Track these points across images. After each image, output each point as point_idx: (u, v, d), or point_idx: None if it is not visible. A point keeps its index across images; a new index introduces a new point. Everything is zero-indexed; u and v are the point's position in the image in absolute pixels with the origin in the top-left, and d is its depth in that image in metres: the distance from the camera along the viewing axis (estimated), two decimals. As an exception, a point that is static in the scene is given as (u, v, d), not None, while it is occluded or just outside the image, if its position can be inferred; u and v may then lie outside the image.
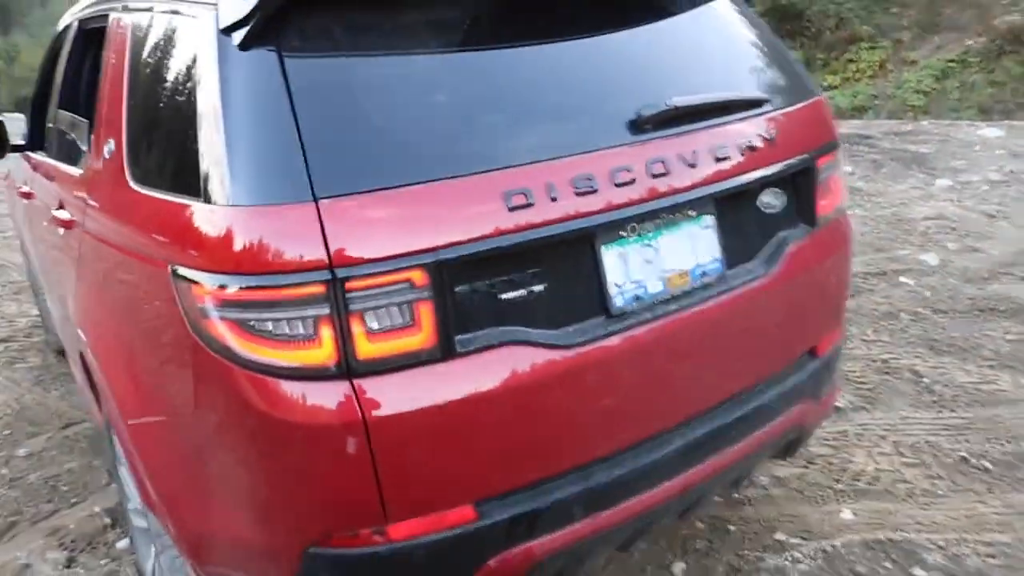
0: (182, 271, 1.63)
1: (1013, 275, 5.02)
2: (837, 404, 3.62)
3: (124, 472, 2.55)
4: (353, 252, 1.52)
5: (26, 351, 5.01)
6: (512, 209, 1.64)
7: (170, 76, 1.88)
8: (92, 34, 2.92)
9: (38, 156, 3.42)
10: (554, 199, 1.69)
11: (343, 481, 1.60)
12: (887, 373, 3.93)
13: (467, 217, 1.61)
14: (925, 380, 3.85)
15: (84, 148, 2.46)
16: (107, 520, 3.18)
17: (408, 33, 1.76)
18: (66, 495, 3.39)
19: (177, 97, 1.81)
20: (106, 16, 2.49)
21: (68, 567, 2.94)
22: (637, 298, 1.85)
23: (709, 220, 1.99)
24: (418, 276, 1.56)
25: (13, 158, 4.22)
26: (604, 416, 1.82)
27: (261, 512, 1.70)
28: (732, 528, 2.88)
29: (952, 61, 12.94)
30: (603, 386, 1.80)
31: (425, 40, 1.77)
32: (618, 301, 1.82)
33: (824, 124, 2.32)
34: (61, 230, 2.52)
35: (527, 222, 1.66)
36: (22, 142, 3.95)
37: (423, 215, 1.57)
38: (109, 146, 2.14)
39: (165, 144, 1.83)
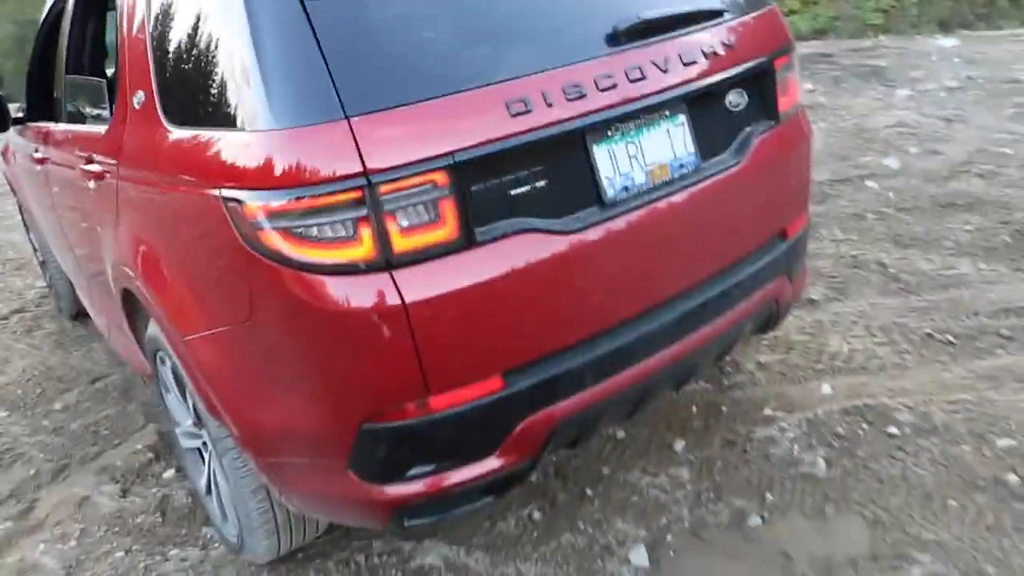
0: (232, 192, 1.87)
1: (970, 172, 5.31)
2: (812, 296, 3.92)
3: (171, 399, 2.80)
4: (383, 160, 1.77)
5: (40, 319, 5.24)
6: (514, 115, 1.89)
7: (197, 24, 2.10)
8: (95, 1, 3.12)
9: (47, 125, 3.61)
10: (549, 105, 1.94)
11: (389, 361, 1.87)
12: (856, 267, 4.23)
13: (477, 124, 1.86)
14: (892, 270, 4.15)
15: (106, 105, 2.67)
16: (151, 455, 3.45)
17: None
18: (108, 438, 3.65)
19: (207, 42, 2.04)
20: None
21: (123, 497, 3.21)
22: (625, 189, 2.11)
23: (683, 118, 2.25)
24: (439, 177, 1.81)
25: (5, 135, 4.41)
26: (604, 292, 2.10)
27: (320, 398, 1.97)
28: (724, 409, 3.19)
29: (911, -21, 13.11)
30: (602, 266, 2.07)
31: None
32: (609, 192, 2.09)
33: (779, 29, 2.57)
34: (92, 184, 2.74)
35: (527, 126, 1.91)
36: (21, 115, 4.13)
37: (439, 124, 1.83)
38: (138, 97, 2.36)
39: (201, 86, 2.05)
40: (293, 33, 1.82)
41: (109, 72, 3.38)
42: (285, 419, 2.04)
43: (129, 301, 2.75)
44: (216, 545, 2.86)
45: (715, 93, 2.33)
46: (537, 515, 2.77)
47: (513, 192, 1.95)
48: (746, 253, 2.45)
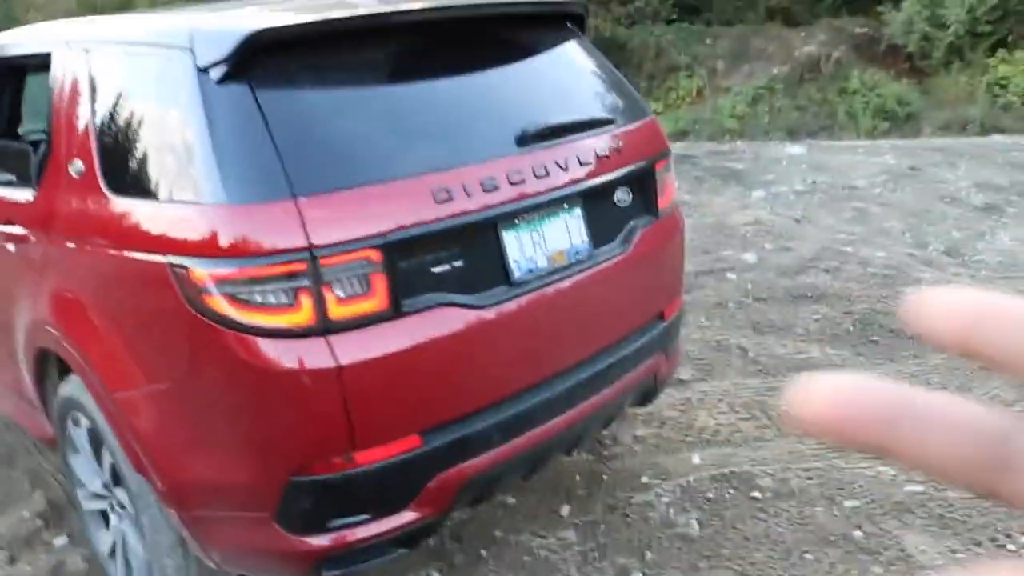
0: (180, 259, 2.05)
1: (817, 268, 5.87)
2: (681, 377, 4.28)
3: (78, 460, 2.86)
4: (325, 237, 1.99)
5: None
6: (438, 203, 2.16)
7: (149, 104, 2.29)
8: (22, 69, 3.23)
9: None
10: (468, 195, 2.22)
11: (321, 417, 2.06)
12: (720, 350, 4.64)
13: (407, 208, 2.11)
14: (751, 354, 4.58)
15: (33, 171, 2.76)
16: (39, 523, 3.42)
17: (353, 70, 2.26)
18: (-8, 506, 3.60)
19: (160, 121, 2.23)
20: (47, 55, 2.82)
21: (11, 564, 3.19)
22: (530, 271, 2.40)
23: (578, 211, 2.57)
24: (373, 254, 2.05)
25: None
26: (510, 362, 2.36)
27: (254, 452, 2.13)
28: (605, 477, 3.46)
29: (761, 88, 14.28)
30: (509, 338, 2.34)
31: (366, 76, 2.28)
32: (516, 273, 2.36)
33: (658, 137, 2.95)
34: (11, 246, 2.83)
35: (449, 212, 2.18)
36: None
37: (375, 207, 2.07)
38: (76, 166, 2.50)
39: (150, 160, 2.23)
40: (248, 121, 2.04)
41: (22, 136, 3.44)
42: (216, 473, 2.18)
43: (40, 362, 2.82)
44: (114, 609, 2.89)
45: (605, 190, 2.66)
46: (436, 575, 2.94)
47: (434, 270, 2.20)
48: (630, 331, 2.76)
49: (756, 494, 3.27)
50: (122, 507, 2.66)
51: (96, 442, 2.65)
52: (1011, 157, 8.31)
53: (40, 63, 2.95)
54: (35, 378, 2.94)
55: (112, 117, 2.43)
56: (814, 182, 8.01)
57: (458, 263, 2.24)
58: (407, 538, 2.30)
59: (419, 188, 2.15)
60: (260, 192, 2.00)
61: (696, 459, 3.54)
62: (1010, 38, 12.22)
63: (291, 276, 1.98)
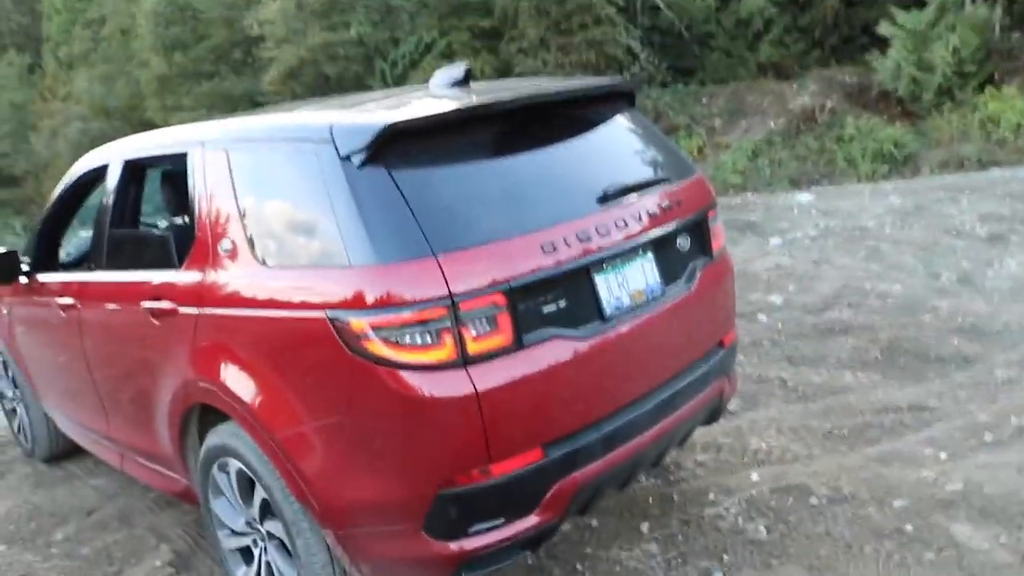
0: (340, 313, 2.48)
1: (841, 304, 6.30)
2: (729, 408, 4.68)
3: (221, 504, 3.25)
4: (462, 285, 2.43)
5: (12, 463, 5.44)
6: (546, 253, 2.61)
7: (291, 188, 2.76)
8: (144, 169, 3.72)
9: (76, 276, 4.08)
10: (568, 246, 2.67)
11: (464, 436, 2.47)
12: (761, 383, 5.04)
13: (522, 259, 2.56)
14: (790, 384, 4.98)
15: (175, 252, 3.23)
16: (171, 570, 3.80)
17: (464, 150, 2.74)
18: (123, 559, 3.97)
19: (304, 201, 2.69)
20: (182, 155, 3.30)
21: (155, 605, 3.56)
22: (617, 308, 2.83)
23: (651, 256, 3.01)
24: (499, 298, 2.49)
25: None
26: (608, 384, 2.78)
27: (407, 471, 2.53)
28: (675, 497, 3.84)
29: (760, 141, 14.85)
30: (605, 364, 2.77)
31: (475, 153, 2.76)
32: (608, 309, 2.80)
33: (707, 190, 3.41)
34: (155, 320, 3.27)
35: (555, 261, 2.63)
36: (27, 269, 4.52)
37: (498, 260, 2.52)
38: (224, 245, 2.96)
39: (299, 234, 2.69)
40: (389, 196, 2.50)
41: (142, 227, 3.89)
42: (373, 493, 2.58)
43: (185, 420, 3.25)
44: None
45: (670, 237, 3.11)
46: (540, 586, 3.32)
47: (545, 309, 2.63)
48: (698, 357, 3.19)
49: (813, 501, 3.65)
50: (270, 537, 3.05)
51: (244, 483, 3.05)
52: (1010, 189, 8.79)
53: (171, 162, 3.44)
54: (177, 436, 3.35)
55: (256, 201, 2.90)
56: (826, 226, 8.48)
57: (563, 303, 2.68)
58: (531, 540, 2.69)
59: (530, 242, 2.60)
60: (406, 252, 2.44)
61: (755, 476, 3.93)
62: (996, 75, 12.79)
63: (436, 320, 2.42)
